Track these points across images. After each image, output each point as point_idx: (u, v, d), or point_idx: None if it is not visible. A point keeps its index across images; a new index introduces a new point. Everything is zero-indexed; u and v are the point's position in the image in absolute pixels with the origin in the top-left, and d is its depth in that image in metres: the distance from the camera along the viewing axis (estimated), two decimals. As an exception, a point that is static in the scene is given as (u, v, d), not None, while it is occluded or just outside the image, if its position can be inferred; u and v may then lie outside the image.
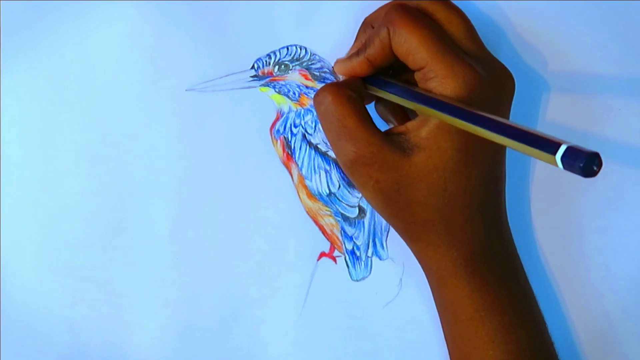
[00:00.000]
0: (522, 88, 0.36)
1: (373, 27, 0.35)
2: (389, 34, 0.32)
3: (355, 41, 0.37)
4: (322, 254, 0.39)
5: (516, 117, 0.36)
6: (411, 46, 0.32)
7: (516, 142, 0.26)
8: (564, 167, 0.24)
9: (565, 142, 0.24)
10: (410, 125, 0.32)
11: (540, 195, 0.38)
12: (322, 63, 0.39)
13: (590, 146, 0.24)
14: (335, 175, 0.39)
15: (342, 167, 0.34)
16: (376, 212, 0.38)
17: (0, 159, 0.39)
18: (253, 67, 0.39)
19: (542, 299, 0.35)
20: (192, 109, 0.39)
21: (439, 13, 0.33)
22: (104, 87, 0.39)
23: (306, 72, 0.39)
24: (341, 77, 0.36)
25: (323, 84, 0.39)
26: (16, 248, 0.39)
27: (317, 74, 0.39)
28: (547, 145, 0.25)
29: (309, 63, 0.39)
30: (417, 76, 0.32)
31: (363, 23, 0.36)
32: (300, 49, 0.39)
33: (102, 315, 0.39)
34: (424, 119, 0.32)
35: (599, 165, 0.24)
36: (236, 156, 0.39)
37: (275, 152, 0.39)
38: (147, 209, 0.39)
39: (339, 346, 0.39)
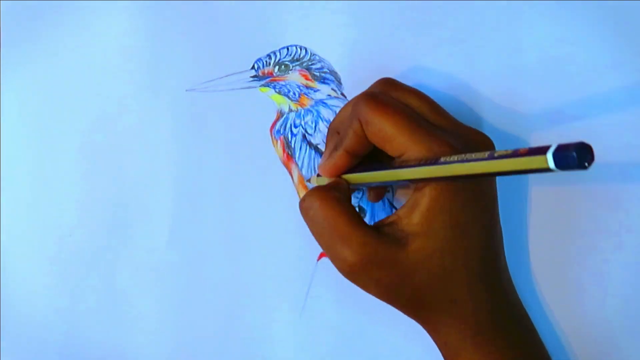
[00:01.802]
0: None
1: (338, 133, 0.35)
2: (361, 125, 0.32)
3: (325, 149, 0.36)
4: (322, 254, 0.39)
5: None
6: (386, 135, 0.31)
7: (506, 162, 0.26)
8: (557, 166, 0.24)
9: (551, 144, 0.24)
10: (401, 212, 0.32)
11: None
12: (322, 63, 0.39)
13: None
14: (335, 176, 0.39)
15: (340, 272, 0.33)
16: (376, 213, 0.38)
17: (0, 159, 0.39)
18: (253, 67, 0.39)
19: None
20: (192, 109, 0.39)
21: (399, 99, 0.33)
22: (104, 87, 0.39)
23: (306, 73, 0.39)
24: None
25: (323, 85, 0.39)
26: (16, 248, 0.39)
27: (317, 74, 0.39)
28: (536, 152, 0.25)
29: (309, 63, 0.39)
30: (398, 162, 0.32)
31: (329, 130, 0.36)
32: (300, 49, 0.39)
33: (102, 316, 0.39)
34: (412, 204, 0.31)
35: (592, 155, 0.23)
36: (236, 156, 0.39)
37: (275, 153, 0.39)
38: (147, 209, 0.39)
39: (339, 346, 0.39)
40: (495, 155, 0.27)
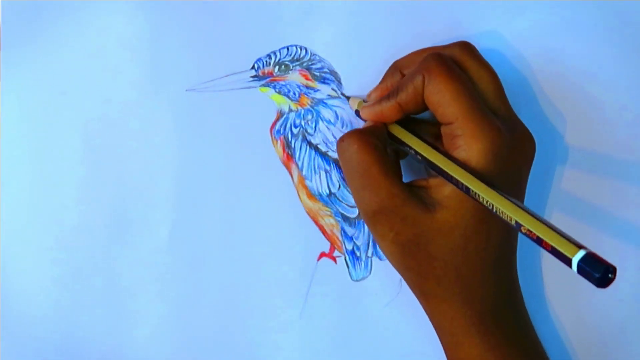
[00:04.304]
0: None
1: (402, 73, 0.35)
2: (423, 82, 0.32)
3: (381, 82, 0.36)
4: (322, 254, 0.39)
5: (534, 175, 0.36)
6: (443, 99, 0.31)
7: (536, 231, 0.26)
8: (578, 272, 0.23)
9: (584, 248, 0.23)
10: (432, 181, 0.32)
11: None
12: (322, 63, 0.39)
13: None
14: (335, 176, 0.39)
15: (362, 216, 0.33)
16: None
17: (1, 159, 0.39)
18: (253, 67, 0.39)
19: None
20: (192, 109, 0.39)
21: (471, 68, 0.33)
22: (104, 87, 0.39)
23: (306, 72, 0.39)
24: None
25: (323, 85, 0.39)
26: (16, 248, 0.39)
27: (318, 74, 0.39)
28: (566, 244, 0.24)
29: (309, 63, 0.39)
30: (444, 130, 0.32)
31: (392, 66, 0.36)
32: (301, 49, 0.39)
33: (102, 316, 0.39)
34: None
35: (614, 276, 0.23)
36: (236, 156, 0.39)
37: (275, 153, 0.39)
38: (147, 209, 0.39)
39: (339, 346, 0.39)
40: (522, 230, 0.27)
